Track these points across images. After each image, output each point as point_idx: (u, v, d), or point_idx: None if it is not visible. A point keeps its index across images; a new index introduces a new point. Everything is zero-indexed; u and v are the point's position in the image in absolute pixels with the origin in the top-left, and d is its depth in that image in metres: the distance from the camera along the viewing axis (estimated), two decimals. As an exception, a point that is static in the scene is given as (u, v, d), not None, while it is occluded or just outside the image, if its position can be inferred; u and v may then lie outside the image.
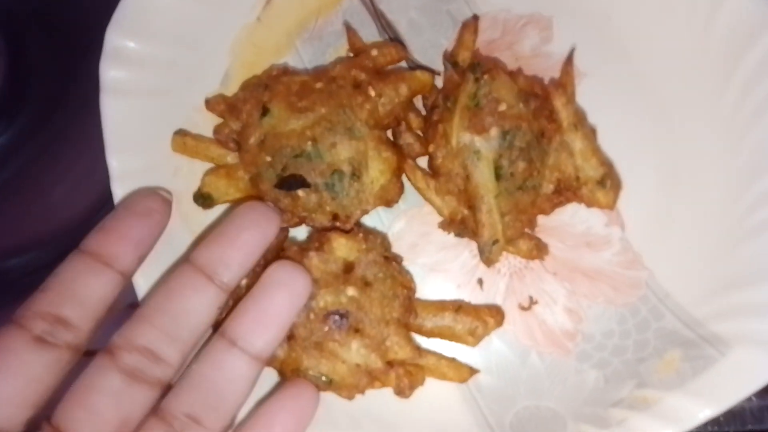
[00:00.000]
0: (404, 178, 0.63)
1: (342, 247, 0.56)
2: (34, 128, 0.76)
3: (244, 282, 0.56)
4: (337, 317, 0.53)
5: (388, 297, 0.55)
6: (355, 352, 0.53)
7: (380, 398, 0.56)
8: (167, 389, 0.48)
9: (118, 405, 0.44)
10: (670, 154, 0.62)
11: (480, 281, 0.63)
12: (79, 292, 0.49)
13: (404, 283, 0.57)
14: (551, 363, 0.60)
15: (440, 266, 0.64)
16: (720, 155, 0.60)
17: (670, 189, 0.62)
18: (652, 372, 0.55)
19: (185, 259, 0.52)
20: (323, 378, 0.53)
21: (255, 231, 0.52)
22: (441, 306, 0.58)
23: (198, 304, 0.49)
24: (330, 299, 0.54)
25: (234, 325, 0.49)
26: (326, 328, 0.53)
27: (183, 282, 0.50)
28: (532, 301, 0.62)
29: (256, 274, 0.55)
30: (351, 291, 0.54)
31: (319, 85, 0.62)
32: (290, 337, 0.53)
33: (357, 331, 0.54)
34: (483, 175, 0.58)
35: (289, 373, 0.54)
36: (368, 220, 0.64)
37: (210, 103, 0.65)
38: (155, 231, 0.55)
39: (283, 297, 0.49)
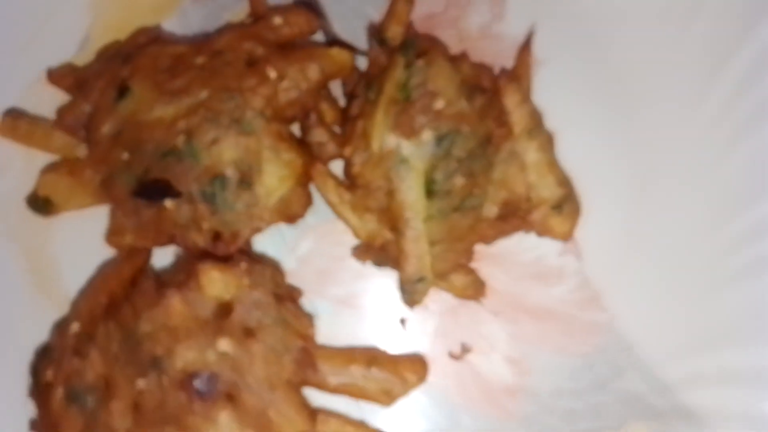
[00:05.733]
0: (313, 187, 0.49)
1: (215, 283, 0.42)
2: None
3: (74, 328, 0.41)
4: (200, 382, 0.39)
5: (277, 351, 0.42)
6: (224, 428, 0.40)
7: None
8: None
9: None
10: (641, 167, 0.51)
11: (403, 321, 0.50)
12: None
13: (300, 330, 0.44)
14: (486, 428, 0.48)
15: (355, 300, 0.51)
16: (701, 172, 0.50)
17: (638, 212, 0.51)
18: (611, 450, 0.45)
19: None
20: (179, 465, 0.39)
21: None
22: (349, 357, 0.45)
23: None
24: (192, 357, 0.40)
25: None
26: (184, 397, 0.39)
27: None
28: (466, 349, 0.50)
29: (93, 315, 0.41)
30: (224, 345, 0.40)
31: (199, 59, 0.47)
32: (135, 407, 0.39)
33: (230, 398, 0.40)
34: (410, 192, 0.45)
35: (133, 456, 0.40)
36: (266, 237, 0.50)
37: (54, 75, 0.50)
38: None
39: None
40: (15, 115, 0.49)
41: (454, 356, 0.50)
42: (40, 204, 0.48)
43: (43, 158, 0.49)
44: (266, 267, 0.45)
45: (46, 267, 0.49)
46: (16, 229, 0.48)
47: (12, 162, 0.49)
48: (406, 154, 0.45)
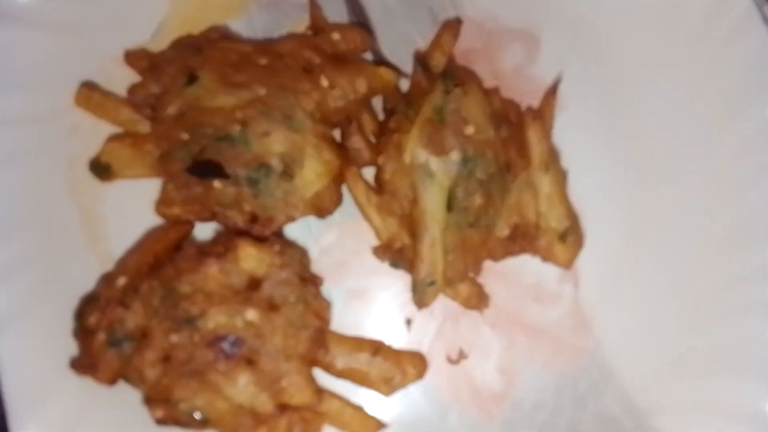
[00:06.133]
0: (344, 187, 0.54)
1: (250, 258, 0.46)
2: None
3: (121, 281, 0.46)
4: (227, 344, 0.44)
5: (296, 327, 0.46)
6: (242, 388, 0.44)
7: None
8: None
9: None
10: (644, 211, 0.56)
11: (408, 321, 0.55)
12: None
13: (318, 312, 0.48)
14: (471, 427, 0.52)
15: (367, 294, 0.55)
16: (699, 221, 0.54)
17: (636, 251, 0.55)
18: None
19: None
20: (197, 414, 0.43)
21: None
22: (358, 344, 0.50)
23: None
24: (222, 320, 0.44)
25: None
26: (211, 355, 0.43)
27: None
28: (462, 354, 0.54)
29: (139, 271, 0.46)
30: (251, 314, 0.45)
31: (262, 60, 0.52)
32: (166, 358, 0.44)
33: (250, 363, 0.44)
34: (433, 202, 0.50)
35: (156, 402, 0.44)
36: (295, 226, 0.55)
37: (130, 57, 0.55)
38: None
39: None
40: (90, 87, 0.54)
41: (451, 360, 0.54)
42: (101, 169, 0.52)
43: (109, 128, 0.54)
44: (296, 251, 0.49)
45: (98, 226, 0.53)
46: (76, 186, 0.53)
47: (82, 126, 0.54)
48: (434, 169, 0.50)
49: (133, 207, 0.53)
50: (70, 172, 0.54)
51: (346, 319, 0.54)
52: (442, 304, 0.55)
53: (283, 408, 0.45)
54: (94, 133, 0.54)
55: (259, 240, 0.48)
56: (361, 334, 0.53)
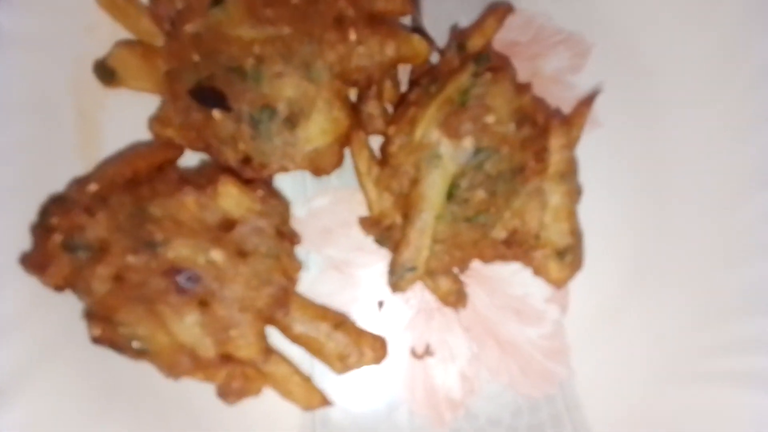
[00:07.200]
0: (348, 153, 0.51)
1: (230, 198, 0.44)
2: None
3: (92, 187, 0.44)
4: (183, 277, 0.41)
5: (260, 279, 0.44)
6: (187, 327, 0.42)
7: (202, 391, 0.45)
8: None
9: None
10: (651, 253, 0.52)
11: (381, 303, 0.52)
12: None
13: (287, 270, 0.46)
14: (419, 427, 0.50)
15: (346, 267, 0.53)
16: (702, 283, 0.51)
17: (632, 292, 0.52)
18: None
19: None
20: (135, 343, 0.41)
21: None
22: (321, 314, 0.47)
23: None
24: (185, 253, 0.42)
25: None
26: (164, 285, 0.41)
27: None
28: (428, 351, 0.51)
29: (114, 182, 0.44)
30: (216, 254, 0.43)
31: (296, 0, 0.49)
32: (118, 277, 0.42)
33: (202, 303, 0.42)
34: (433, 187, 0.47)
35: (97, 319, 0.42)
36: (290, 179, 0.53)
37: (163, -34, 0.52)
38: None
39: None
40: (116, -12, 0.52)
41: (415, 353, 0.52)
42: (106, 72, 0.50)
43: (124, 35, 0.52)
44: (279, 203, 0.47)
45: (92, 130, 0.51)
46: (79, 86, 0.51)
47: (98, 27, 0.52)
48: (443, 152, 0.47)
49: (132, 120, 0.51)
50: (76, 69, 0.52)
51: (318, 287, 0.52)
52: (420, 295, 0.52)
53: (225, 358, 0.43)
54: (109, 37, 0.52)
55: (245, 182, 0.46)
56: (329, 305, 0.50)
